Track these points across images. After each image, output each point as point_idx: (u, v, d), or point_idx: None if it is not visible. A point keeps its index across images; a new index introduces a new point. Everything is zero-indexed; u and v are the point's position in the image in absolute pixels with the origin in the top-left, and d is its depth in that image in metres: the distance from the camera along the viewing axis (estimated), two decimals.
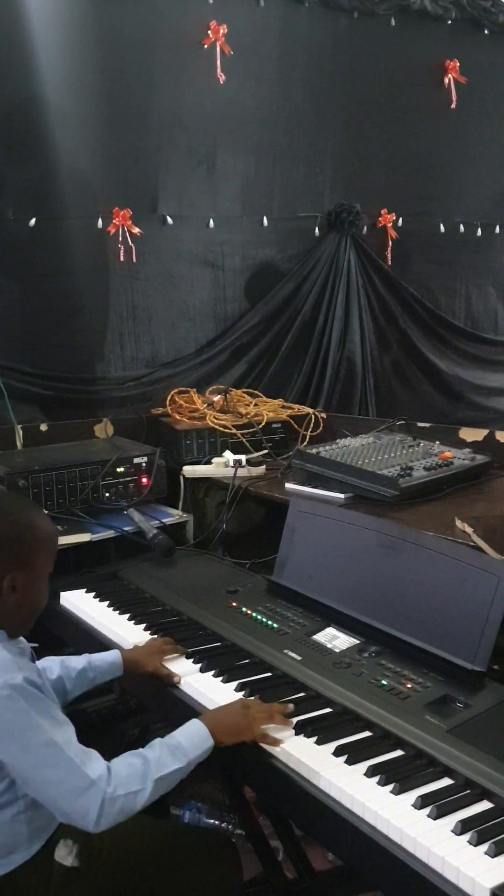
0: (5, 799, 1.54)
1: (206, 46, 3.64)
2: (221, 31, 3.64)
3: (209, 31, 3.63)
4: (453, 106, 4.35)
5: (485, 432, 2.85)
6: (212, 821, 2.65)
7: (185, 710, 1.74)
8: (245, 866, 2.23)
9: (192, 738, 1.56)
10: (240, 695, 1.73)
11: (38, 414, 3.36)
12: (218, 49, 3.65)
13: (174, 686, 1.82)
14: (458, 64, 4.32)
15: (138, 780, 1.48)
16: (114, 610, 2.19)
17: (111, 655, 1.91)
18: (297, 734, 1.59)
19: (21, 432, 2.98)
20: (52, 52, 3.27)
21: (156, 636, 2.02)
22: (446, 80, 4.33)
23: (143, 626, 2.08)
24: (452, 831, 1.29)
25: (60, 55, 3.30)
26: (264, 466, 2.88)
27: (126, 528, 2.62)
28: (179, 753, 1.53)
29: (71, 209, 3.43)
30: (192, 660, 1.90)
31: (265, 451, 2.99)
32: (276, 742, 1.56)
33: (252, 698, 1.70)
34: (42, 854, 1.59)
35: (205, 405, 3.19)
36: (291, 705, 1.66)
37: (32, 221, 3.33)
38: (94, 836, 1.54)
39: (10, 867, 1.56)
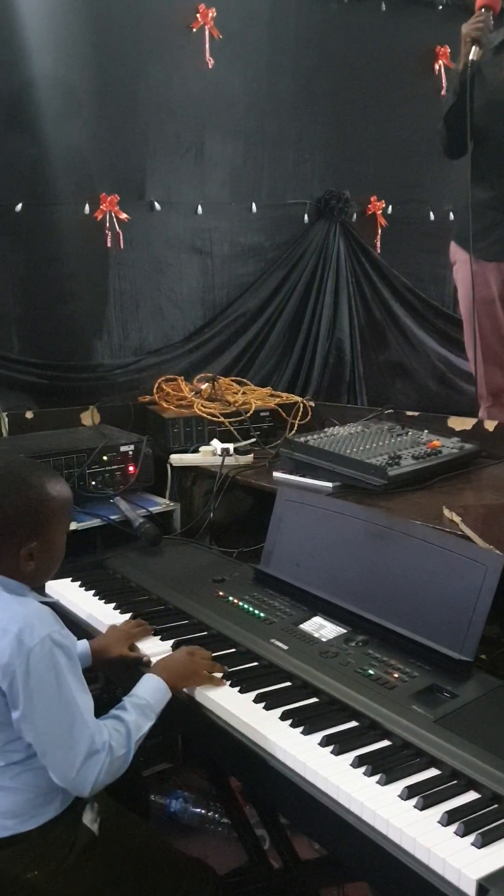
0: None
1: (194, 30, 3.60)
2: (210, 14, 3.61)
3: (198, 15, 3.60)
4: (443, 93, 4.32)
5: (473, 421, 2.84)
6: (198, 810, 2.65)
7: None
8: (230, 855, 2.23)
9: (154, 694, 1.64)
10: (226, 684, 1.72)
11: (23, 401, 3.33)
12: (206, 33, 3.62)
13: (146, 666, 1.84)
14: (449, 50, 4.29)
15: (124, 744, 1.54)
16: (100, 599, 2.18)
17: (80, 646, 1.90)
18: (282, 722, 1.58)
19: (6, 420, 2.95)
20: (40, 37, 3.23)
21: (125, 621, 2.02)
22: (436, 67, 4.31)
23: (130, 615, 2.06)
24: (439, 822, 1.28)
25: (48, 40, 3.26)
26: (252, 455, 2.86)
27: (112, 517, 2.60)
28: (149, 711, 1.62)
29: (57, 194, 3.40)
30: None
31: (253, 440, 2.97)
32: (221, 683, 1.69)
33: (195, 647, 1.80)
34: (71, 814, 1.60)
35: (192, 393, 3.17)
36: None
37: (18, 207, 3.30)
38: (110, 811, 1.67)
39: (44, 819, 1.57)
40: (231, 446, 2.83)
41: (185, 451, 2.92)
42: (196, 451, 2.90)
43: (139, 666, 1.84)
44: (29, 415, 3.03)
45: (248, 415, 3.02)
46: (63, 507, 1.68)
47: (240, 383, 3.35)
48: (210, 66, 3.66)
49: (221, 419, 2.98)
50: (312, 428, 3.01)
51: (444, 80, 4.31)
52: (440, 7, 4.25)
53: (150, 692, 1.64)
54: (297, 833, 2.21)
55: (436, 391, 4.56)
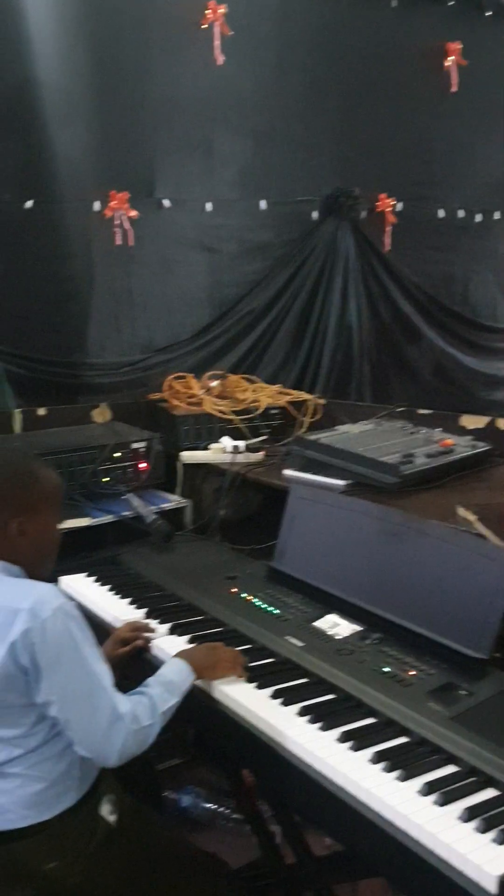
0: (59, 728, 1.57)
1: (204, 27, 3.60)
2: (220, 11, 3.60)
3: (207, 12, 3.58)
4: (454, 89, 4.32)
5: (486, 420, 2.83)
6: (209, 805, 2.66)
7: None
8: (241, 850, 2.24)
9: (180, 674, 1.69)
10: (245, 679, 1.73)
11: (33, 398, 3.34)
12: (216, 30, 3.61)
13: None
14: (460, 46, 4.28)
15: (149, 715, 1.58)
16: (115, 594, 2.19)
17: None
18: (300, 718, 1.58)
19: (19, 417, 2.96)
20: (48, 34, 3.23)
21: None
22: (447, 63, 4.30)
23: (145, 610, 2.07)
24: (459, 818, 1.29)
25: (56, 37, 3.26)
26: (263, 452, 2.87)
27: (125, 513, 2.61)
28: (174, 689, 1.66)
29: (67, 192, 3.40)
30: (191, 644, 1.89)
31: (263, 437, 2.98)
32: (243, 675, 1.71)
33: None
34: (88, 805, 1.62)
35: (202, 390, 3.17)
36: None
37: (29, 204, 3.31)
38: (126, 804, 1.67)
39: (62, 808, 1.59)
40: (242, 443, 2.84)
41: (196, 449, 2.92)
42: (206, 448, 2.91)
43: (143, 654, 1.90)
44: (41, 412, 3.03)
45: (259, 412, 3.03)
46: (55, 491, 1.74)
47: (249, 381, 3.35)
48: (219, 63, 3.65)
49: (231, 416, 2.98)
50: (323, 426, 3.01)
51: (454, 77, 4.30)
52: (450, 3, 4.24)
53: (174, 672, 1.69)
54: (309, 828, 2.22)
55: (443, 389, 4.56)
